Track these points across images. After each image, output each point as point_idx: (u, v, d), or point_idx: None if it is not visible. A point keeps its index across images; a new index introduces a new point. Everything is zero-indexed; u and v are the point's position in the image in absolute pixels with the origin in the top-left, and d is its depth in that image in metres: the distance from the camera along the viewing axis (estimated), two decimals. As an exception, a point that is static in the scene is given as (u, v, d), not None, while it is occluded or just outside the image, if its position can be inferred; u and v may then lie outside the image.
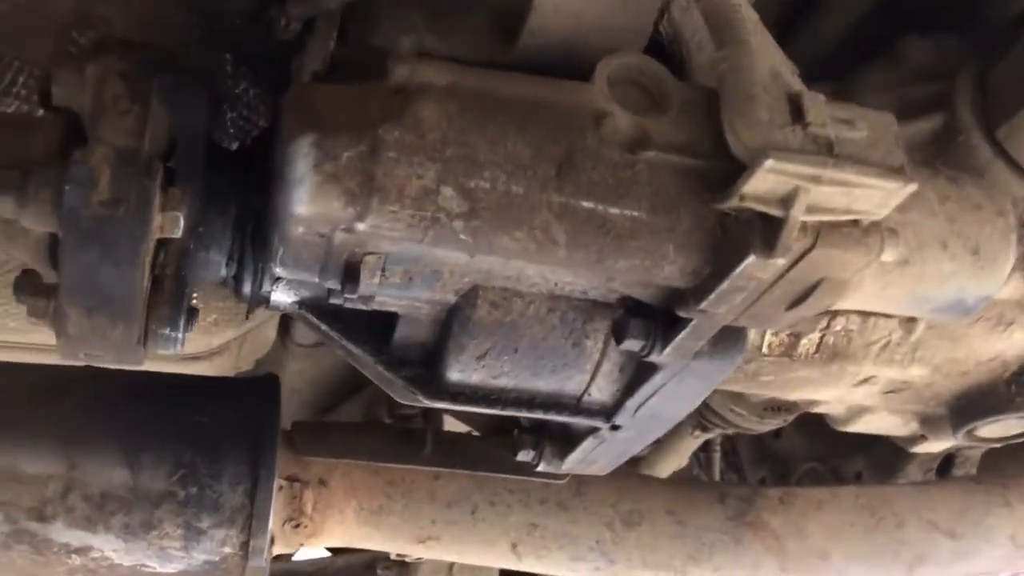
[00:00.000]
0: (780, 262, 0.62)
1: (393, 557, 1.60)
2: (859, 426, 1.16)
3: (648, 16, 0.70)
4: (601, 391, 0.86)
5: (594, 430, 0.92)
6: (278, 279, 0.79)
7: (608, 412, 0.88)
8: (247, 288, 0.84)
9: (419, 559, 1.64)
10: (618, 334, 0.76)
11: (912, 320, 0.92)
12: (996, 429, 1.05)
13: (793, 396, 1.07)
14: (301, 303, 0.81)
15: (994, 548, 1.22)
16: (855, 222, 0.64)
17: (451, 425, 1.38)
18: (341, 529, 1.11)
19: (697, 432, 1.59)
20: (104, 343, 0.76)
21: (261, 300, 0.84)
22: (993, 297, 0.82)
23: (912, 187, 0.61)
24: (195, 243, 0.81)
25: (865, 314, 0.91)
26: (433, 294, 0.77)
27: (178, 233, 0.73)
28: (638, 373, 0.83)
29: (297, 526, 1.07)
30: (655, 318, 0.74)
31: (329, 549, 1.87)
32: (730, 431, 1.53)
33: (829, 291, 0.67)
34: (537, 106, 0.62)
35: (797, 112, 0.61)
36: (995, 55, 0.92)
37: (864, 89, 1.01)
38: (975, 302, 0.81)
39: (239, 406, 1.00)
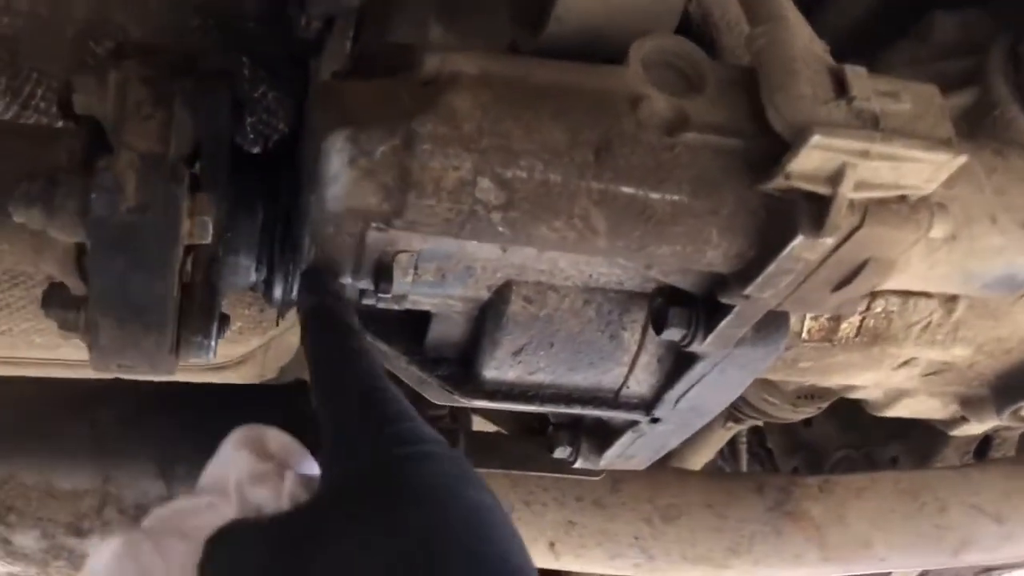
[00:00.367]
0: (828, 242, 0.60)
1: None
2: (897, 410, 1.14)
3: (679, -3, 0.68)
4: (640, 384, 0.85)
5: (633, 424, 0.90)
6: (309, 282, 0.78)
7: (647, 405, 0.86)
8: (278, 292, 0.83)
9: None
10: (657, 324, 0.74)
11: (953, 300, 0.90)
12: (1043, 407, 1.03)
13: (831, 382, 1.05)
14: (333, 305, 0.80)
15: (1041, 531, 1.20)
16: (903, 198, 0.62)
17: (479, 426, 1.36)
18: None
19: (730, 424, 1.57)
20: (137, 353, 0.75)
21: (292, 304, 0.83)
22: (1044, 271, 0.80)
23: (962, 159, 0.59)
24: (224, 249, 0.80)
25: (905, 295, 0.89)
26: (466, 291, 0.76)
27: (207, 238, 0.72)
28: (678, 364, 0.82)
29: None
30: (695, 306, 0.73)
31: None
32: (763, 421, 1.51)
33: (876, 270, 0.65)
34: (571, 92, 0.61)
35: (840, 86, 0.59)
36: (1025, 27, 0.90)
37: (893, 67, 0.99)
38: (1026, 276, 0.78)
39: (272, 413, 0.99)
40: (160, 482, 0.92)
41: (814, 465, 1.68)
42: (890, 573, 1.35)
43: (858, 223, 0.61)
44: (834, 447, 1.66)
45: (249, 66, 1.03)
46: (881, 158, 0.58)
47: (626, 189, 0.60)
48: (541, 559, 1.16)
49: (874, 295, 0.88)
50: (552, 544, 1.14)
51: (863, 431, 1.58)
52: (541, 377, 0.82)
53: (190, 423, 0.95)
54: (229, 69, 0.82)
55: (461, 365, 0.83)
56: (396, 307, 0.77)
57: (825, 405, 1.40)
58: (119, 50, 0.75)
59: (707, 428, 1.65)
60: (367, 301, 0.76)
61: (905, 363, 0.98)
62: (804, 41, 0.62)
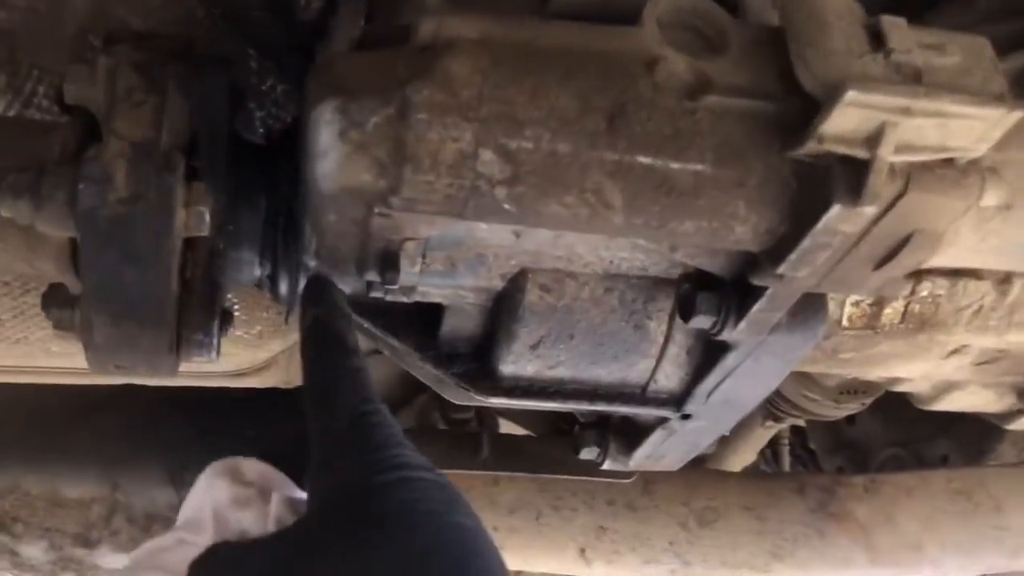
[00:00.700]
0: (868, 211, 0.55)
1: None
2: (947, 404, 1.07)
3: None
4: (668, 377, 0.80)
5: (663, 421, 0.85)
6: (315, 275, 0.74)
7: (677, 400, 0.81)
8: (283, 288, 0.79)
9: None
10: (685, 311, 0.69)
11: (1007, 279, 0.83)
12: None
13: (875, 374, 0.99)
14: (340, 299, 0.76)
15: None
16: (950, 161, 0.56)
17: (507, 429, 1.32)
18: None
19: (769, 422, 1.50)
20: (134, 352, 0.72)
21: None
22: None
23: (1018, 114, 0.53)
24: (225, 242, 0.77)
25: (954, 276, 0.83)
26: (478, 281, 0.71)
27: (204, 230, 0.68)
28: (708, 354, 0.76)
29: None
30: (725, 290, 0.67)
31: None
32: (804, 419, 1.45)
33: (922, 244, 0.59)
34: (580, 55, 0.56)
35: (877, 39, 0.53)
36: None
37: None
38: (1088, 251, 0.72)
39: (284, 419, 0.96)
40: (170, 488, 0.89)
41: (859, 464, 1.62)
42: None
43: (901, 190, 0.55)
44: (880, 445, 1.59)
45: (257, 58, 0.99)
46: (925, 115, 0.52)
47: (643, 159, 0.55)
48: (572, 566, 1.12)
49: (919, 277, 0.82)
50: (583, 550, 1.09)
51: (910, 427, 1.52)
52: (562, 372, 0.78)
53: (200, 428, 0.92)
54: (227, 54, 0.79)
55: (477, 361, 0.79)
56: (405, 300, 0.73)
57: (869, 400, 1.33)
58: (111, 36, 0.72)
59: (745, 427, 1.59)
60: (375, 294, 0.72)
61: (955, 351, 0.91)
62: (838, -4, 0.57)
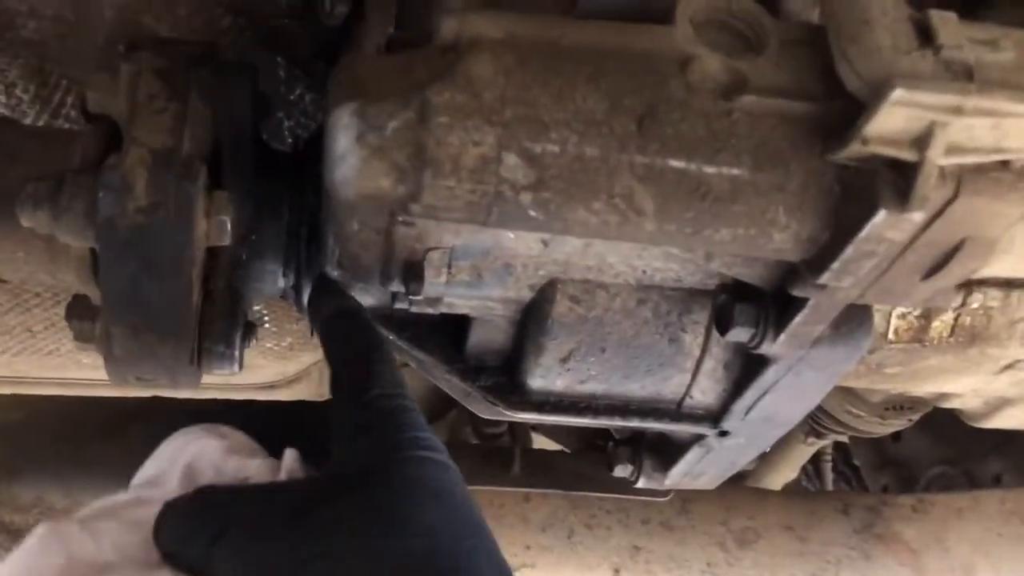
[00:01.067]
0: (916, 217, 0.51)
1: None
2: (1000, 421, 1.03)
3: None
4: (705, 393, 0.76)
5: (699, 438, 0.82)
6: (339, 287, 0.72)
7: (714, 416, 0.78)
8: (307, 299, 0.77)
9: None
10: (722, 323, 0.66)
11: (1064, 291, 0.79)
12: None
13: (923, 390, 0.95)
14: (365, 311, 0.74)
15: None
16: (1004, 164, 0.53)
17: (540, 444, 1.29)
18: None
19: (811, 439, 1.46)
20: (154, 364, 0.71)
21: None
22: None
23: (1078, 113, 0.50)
24: (248, 252, 0.75)
25: (1007, 287, 0.79)
26: (506, 291, 0.69)
27: (226, 240, 0.67)
28: (747, 369, 0.73)
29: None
30: (764, 302, 0.64)
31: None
32: (848, 436, 1.40)
33: (974, 252, 0.56)
34: (609, 54, 0.53)
35: (925, 35, 0.50)
36: None
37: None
38: None
39: (310, 430, 0.94)
40: (194, 504, 0.87)
41: (906, 483, 1.56)
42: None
43: (951, 195, 0.52)
44: (928, 463, 1.54)
45: (285, 66, 0.99)
46: (978, 115, 0.49)
47: (675, 163, 0.52)
48: (606, 586, 1.08)
49: (970, 288, 0.78)
50: (617, 570, 1.06)
51: (960, 445, 1.46)
52: (593, 386, 0.75)
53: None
54: (251, 61, 0.77)
55: (505, 374, 0.77)
56: (431, 311, 0.71)
57: (916, 417, 1.28)
58: (134, 43, 0.71)
59: (785, 443, 1.55)
60: (400, 305, 0.70)
61: (1008, 366, 0.87)
62: (883, -8, 0.54)
